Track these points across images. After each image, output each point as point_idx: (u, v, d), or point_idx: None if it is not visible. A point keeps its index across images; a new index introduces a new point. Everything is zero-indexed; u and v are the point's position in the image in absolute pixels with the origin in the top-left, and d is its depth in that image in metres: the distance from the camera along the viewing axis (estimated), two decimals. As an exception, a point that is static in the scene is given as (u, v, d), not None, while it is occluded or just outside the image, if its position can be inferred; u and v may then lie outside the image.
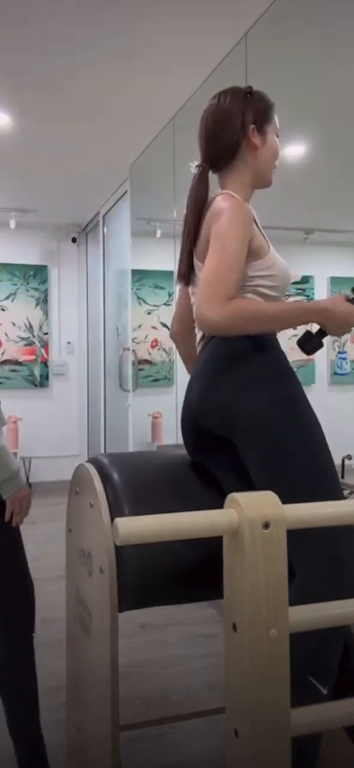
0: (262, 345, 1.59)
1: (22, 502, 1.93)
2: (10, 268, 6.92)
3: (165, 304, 5.46)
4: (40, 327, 7.06)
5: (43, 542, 4.70)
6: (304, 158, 3.41)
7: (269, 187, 1.75)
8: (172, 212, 4.37)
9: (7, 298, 6.89)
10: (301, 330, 1.64)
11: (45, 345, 7.10)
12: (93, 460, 1.77)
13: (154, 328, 5.50)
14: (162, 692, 2.53)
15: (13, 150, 4.84)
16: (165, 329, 5.35)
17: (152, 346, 5.53)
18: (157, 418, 5.34)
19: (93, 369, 7.07)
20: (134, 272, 5.51)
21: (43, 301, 7.09)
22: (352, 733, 1.61)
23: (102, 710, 1.62)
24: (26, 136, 4.60)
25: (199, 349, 1.73)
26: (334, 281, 4.55)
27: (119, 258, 6.08)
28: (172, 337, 1.97)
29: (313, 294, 4.63)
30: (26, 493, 1.94)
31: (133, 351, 5.47)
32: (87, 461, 1.79)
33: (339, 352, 4.61)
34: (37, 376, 7.05)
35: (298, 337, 1.63)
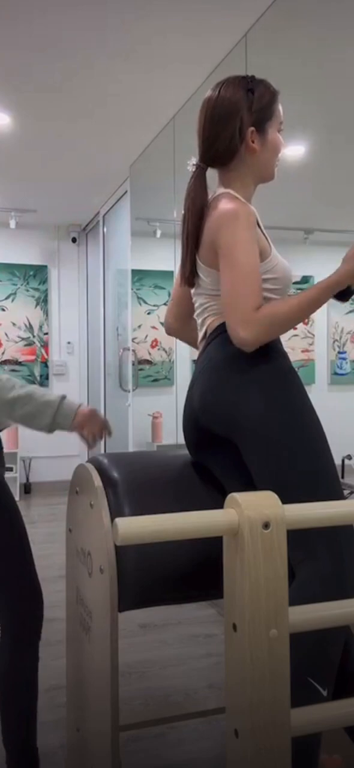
0: (265, 346, 1.59)
1: (84, 424, 1.77)
2: (10, 268, 6.92)
3: (165, 304, 5.46)
4: (40, 327, 7.07)
5: (43, 542, 4.70)
6: (304, 158, 3.41)
7: (271, 180, 1.72)
8: (172, 212, 4.37)
9: (7, 298, 6.89)
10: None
11: (45, 345, 7.10)
12: (93, 460, 1.77)
13: (154, 328, 5.50)
14: (162, 692, 2.53)
15: (13, 150, 4.84)
16: (165, 329, 5.35)
17: (152, 346, 5.53)
18: (157, 418, 5.34)
19: (93, 369, 7.07)
20: (134, 272, 5.51)
21: (43, 301, 7.09)
22: (352, 733, 1.61)
23: (102, 710, 1.62)
24: (26, 136, 4.60)
25: (200, 348, 1.73)
26: (334, 281, 4.55)
27: (119, 258, 6.08)
28: (168, 332, 1.95)
29: (313, 294, 4.63)
30: (84, 412, 1.76)
31: (133, 351, 5.47)
32: (87, 461, 1.79)
33: (339, 352, 4.61)
34: (37, 376, 7.05)
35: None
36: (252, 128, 1.61)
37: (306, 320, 4.68)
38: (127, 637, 3.02)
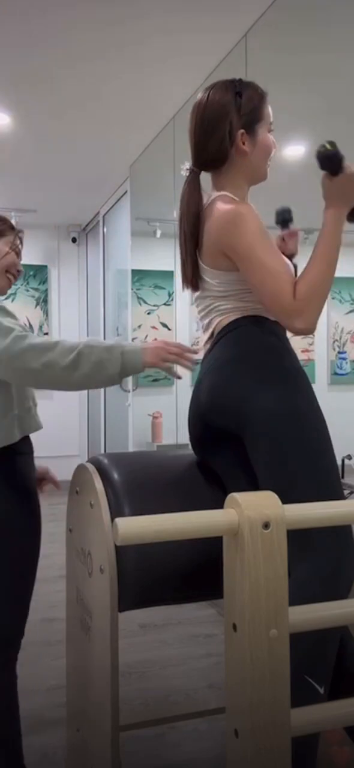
0: (273, 345, 1.59)
1: (157, 353, 1.59)
2: (10, 268, 6.92)
3: (165, 304, 5.46)
4: (40, 327, 7.06)
5: (43, 542, 4.69)
6: (304, 158, 3.41)
7: (264, 180, 1.73)
8: (172, 212, 4.37)
9: (7, 298, 6.84)
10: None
11: (45, 345, 7.10)
12: (93, 460, 1.77)
13: (154, 328, 5.49)
14: (162, 692, 2.53)
15: (13, 150, 4.84)
16: (165, 329, 5.35)
17: (152, 346, 5.52)
18: (157, 418, 5.34)
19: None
20: (134, 272, 5.51)
21: (43, 301, 7.09)
22: (352, 733, 1.61)
23: (102, 710, 1.62)
24: (26, 136, 4.60)
25: (207, 347, 1.73)
26: (334, 281, 4.55)
27: (119, 258, 6.08)
28: None
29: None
30: (151, 344, 1.60)
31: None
32: (87, 461, 1.79)
33: (339, 352, 4.61)
34: (37, 376, 7.05)
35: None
36: (242, 130, 1.62)
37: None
38: (127, 637, 3.02)
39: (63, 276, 7.21)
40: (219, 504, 1.09)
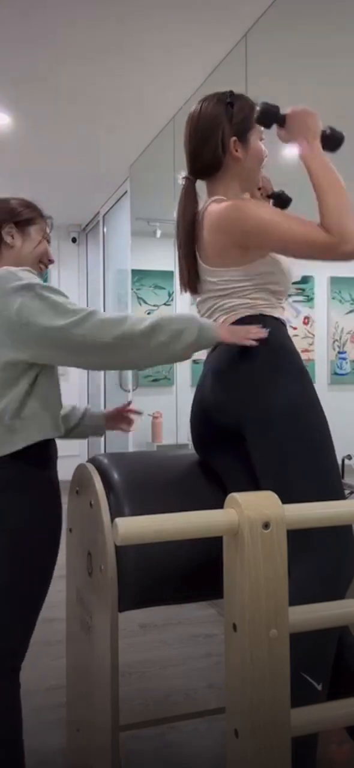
0: (276, 344, 1.60)
1: (227, 336, 1.55)
2: (10, 268, 6.92)
3: (165, 304, 5.47)
4: (40, 327, 7.06)
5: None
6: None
7: (257, 188, 1.79)
8: (172, 212, 4.35)
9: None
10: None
11: (45, 345, 7.09)
12: (93, 460, 1.77)
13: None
14: (162, 692, 2.53)
15: (13, 150, 4.84)
16: (165, 329, 5.35)
17: (152, 346, 5.52)
18: (157, 418, 5.34)
19: (92, 374, 7.07)
20: (134, 272, 5.51)
21: (43, 301, 7.08)
22: (352, 733, 1.61)
23: (102, 710, 1.62)
24: (26, 136, 4.60)
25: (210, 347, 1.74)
26: (334, 281, 4.55)
27: (119, 258, 6.08)
28: None
29: (313, 294, 4.63)
30: (221, 325, 1.58)
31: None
32: (87, 461, 1.79)
33: (339, 352, 4.61)
34: (37, 376, 7.04)
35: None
36: (234, 138, 1.67)
37: (306, 320, 4.68)
38: (127, 637, 3.02)
39: (63, 276, 7.21)
40: (219, 504, 1.09)
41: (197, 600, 1.81)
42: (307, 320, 4.65)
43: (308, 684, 1.37)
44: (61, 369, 1.71)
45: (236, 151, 1.67)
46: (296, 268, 1.72)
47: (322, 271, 4.52)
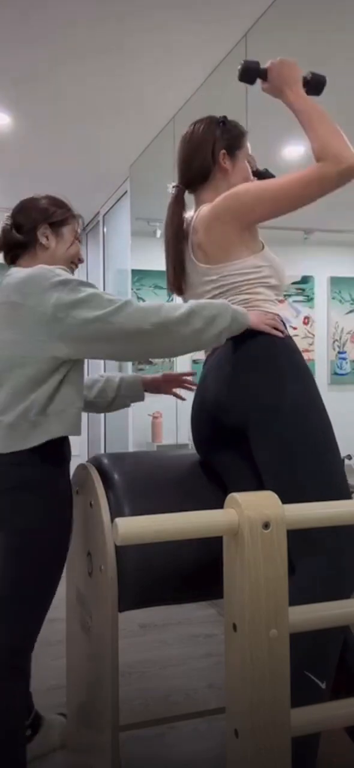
0: (278, 343, 1.60)
1: (258, 322, 1.59)
2: (10, 268, 6.91)
3: (165, 304, 5.46)
4: (40, 327, 7.05)
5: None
6: (303, 158, 3.41)
7: None
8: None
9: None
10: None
11: (45, 345, 7.08)
12: (93, 460, 1.77)
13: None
14: (162, 692, 2.53)
15: (13, 150, 4.84)
16: (165, 329, 5.35)
17: (152, 346, 5.52)
18: (157, 418, 5.33)
19: (93, 369, 7.07)
20: (134, 272, 5.51)
21: (43, 301, 7.08)
22: (352, 733, 1.61)
23: (102, 710, 1.62)
24: (26, 136, 4.60)
25: (209, 350, 1.74)
26: (334, 281, 4.55)
27: (119, 258, 6.08)
28: None
29: (313, 294, 4.63)
30: (252, 312, 1.59)
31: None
32: (87, 461, 1.79)
33: (339, 352, 4.61)
34: (37, 376, 7.04)
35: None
36: (223, 150, 1.75)
37: (306, 320, 4.69)
38: (127, 637, 3.02)
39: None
40: (219, 504, 1.09)
41: (197, 600, 1.81)
42: (307, 320, 4.65)
43: (312, 683, 1.37)
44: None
45: (224, 162, 1.75)
46: (296, 268, 1.73)
47: (322, 271, 4.52)
